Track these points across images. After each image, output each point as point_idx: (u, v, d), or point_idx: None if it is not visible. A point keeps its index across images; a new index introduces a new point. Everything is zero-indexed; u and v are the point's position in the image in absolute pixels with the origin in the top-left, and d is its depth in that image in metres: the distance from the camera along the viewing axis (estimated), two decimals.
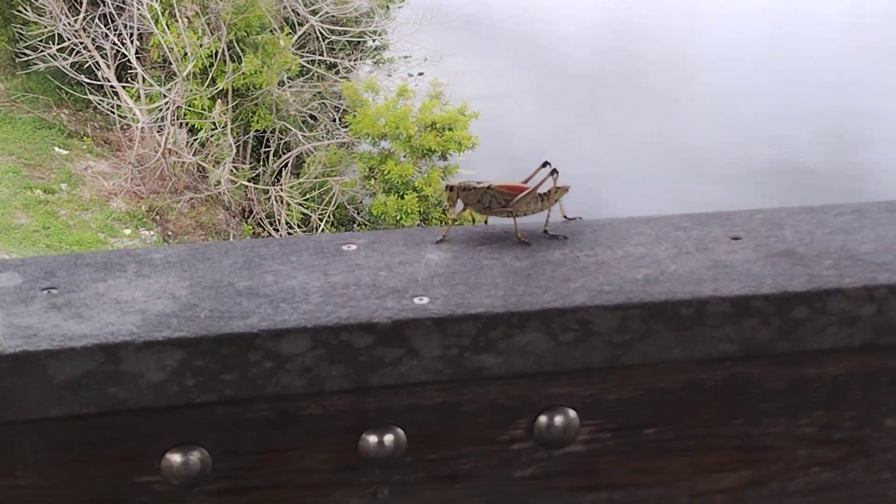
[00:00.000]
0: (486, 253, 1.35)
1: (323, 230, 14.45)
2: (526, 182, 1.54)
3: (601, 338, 1.21)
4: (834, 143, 17.82)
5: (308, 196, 14.67)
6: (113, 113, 14.69)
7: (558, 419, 1.24)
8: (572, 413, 1.24)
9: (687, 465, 1.32)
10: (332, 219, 14.76)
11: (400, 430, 1.20)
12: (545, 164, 1.54)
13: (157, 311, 1.17)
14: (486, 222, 1.51)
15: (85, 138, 15.03)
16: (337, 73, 16.24)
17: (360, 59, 17.21)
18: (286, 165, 15.06)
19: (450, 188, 1.50)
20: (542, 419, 1.24)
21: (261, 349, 1.13)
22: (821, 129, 18.23)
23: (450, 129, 14.40)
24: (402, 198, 14.07)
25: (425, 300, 1.20)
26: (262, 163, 15.26)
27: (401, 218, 14.01)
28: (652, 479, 1.32)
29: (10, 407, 1.11)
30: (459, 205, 1.55)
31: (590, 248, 1.36)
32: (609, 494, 1.31)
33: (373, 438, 1.20)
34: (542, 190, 1.51)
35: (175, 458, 1.16)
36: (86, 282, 1.25)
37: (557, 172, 1.50)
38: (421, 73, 17.35)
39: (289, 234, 14.49)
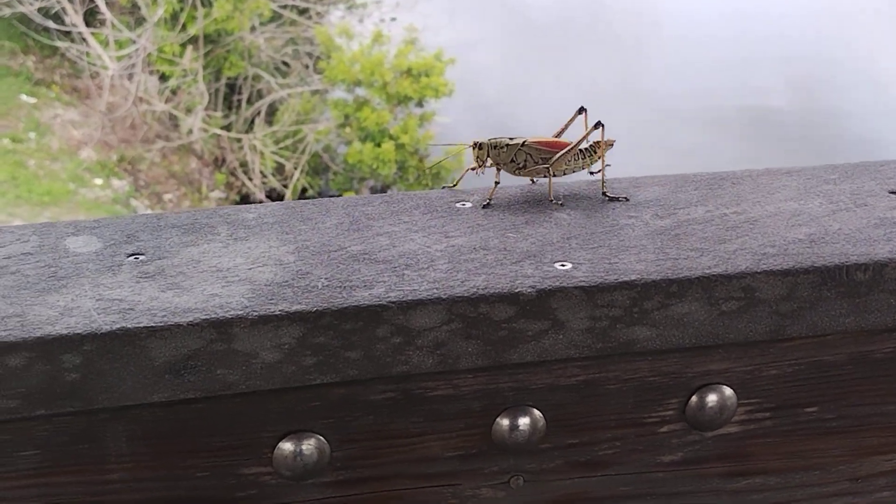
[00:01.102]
0: (620, 210, 1.23)
1: (298, 179, 14.27)
2: (559, 135, 1.41)
3: (766, 307, 1.08)
4: (801, 89, 17.79)
5: (282, 145, 14.46)
6: (81, 60, 14.37)
7: (713, 398, 1.12)
8: (728, 391, 1.13)
9: (848, 447, 1.21)
10: (306, 168, 14.56)
11: (538, 413, 1.09)
12: (581, 110, 1.41)
13: (266, 280, 1.04)
14: (532, 181, 1.38)
15: (53, 86, 14.69)
16: (309, 18, 15.95)
17: (333, 4, 16.90)
18: (259, 113, 14.83)
19: (478, 145, 1.37)
20: (695, 398, 1.12)
21: (389, 323, 1.00)
22: (788, 76, 18.19)
23: (426, 76, 14.19)
24: (379, 146, 13.87)
25: (568, 266, 1.08)
26: (234, 111, 15.00)
27: (377, 167, 13.83)
28: (810, 463, 1.20)
29: (103, 392, 0.97)
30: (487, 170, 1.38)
31: (735, 205, 1.23)
32: (763, 480, 1.20)
33: (508, 422, 1.08)
34: (583, 145, 1.38)
35: (288, 446, 1.04)
36: (175, 246, 1.12)
37: (603, 125, 1.36)
38: (394, 19, 17.09)
39: (263, 182, 14.31)
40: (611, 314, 1.05)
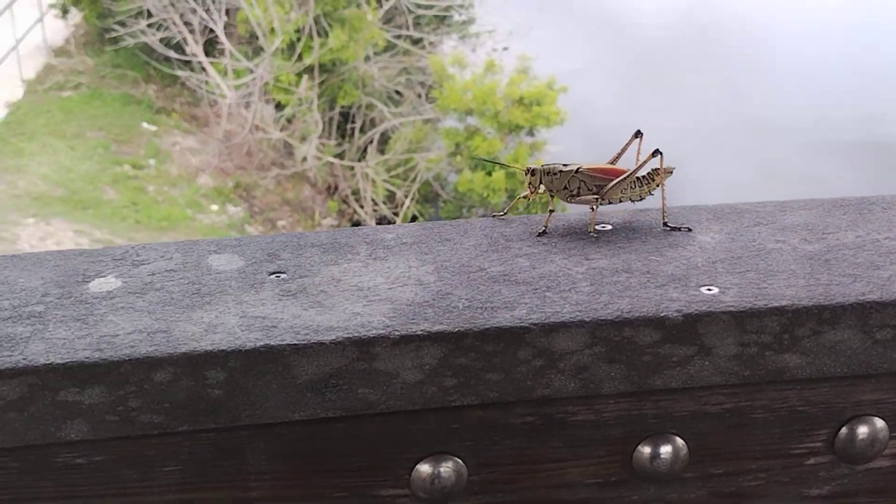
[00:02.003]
0: (766, 234, 1.19)
1: (409, 207, 14.36)
2: (614, 162, 1.38)
3: None
4: None
5: (393, 173, 14.57)
6: (200, 89, 14.70)
7: (864, 430, 1.08)
8: (880, 423, 1.09)
9: None
10: (417, 196, 14.64)
11: (680, 441, 1.06)
12: (637, 133, 1.38)
13: (407, 299, 1.04)
14: (550, 211, 1.30)
15: (172, 114, 15.04)
16: (422, 48, 16.09)
17: (447, 34, 17.02)
18: (371, 142, 14.96)
19: (531, 171, 1.34)
20: (845, 430, 1.09)
21: (532, 346, 0.99)
22: None
23: (538, 105, 14.17)
24: (490, 175, 13.88)
25: (715, 290, 1.05)
26: (347, 139, 15.17)
27: (487, 195, 13.83)
28: None
29: (246, 409, 0.98)
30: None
31: (888, 230, 1.19)
32: None
33: (650, 449, 1.06)
34: (641, 172, 1.33)
35: (426, 468, 1.03)
36: (315, 265, 1.13)
37: (661, 153, 1.32)
38: (506, 48, 17.12)
39: (374, 210, 14.43)
40: (760, 340, 1.02)
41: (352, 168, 14.65)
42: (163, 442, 1.00)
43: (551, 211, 1.26)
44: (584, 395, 1.02)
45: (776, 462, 1.10)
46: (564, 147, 15.01)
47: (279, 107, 14.62)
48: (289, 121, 14.59)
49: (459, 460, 1.04)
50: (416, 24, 15.90)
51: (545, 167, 1.33)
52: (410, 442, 1.04)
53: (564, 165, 1.33)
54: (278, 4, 14.04)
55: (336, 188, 14.85)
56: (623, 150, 1.38)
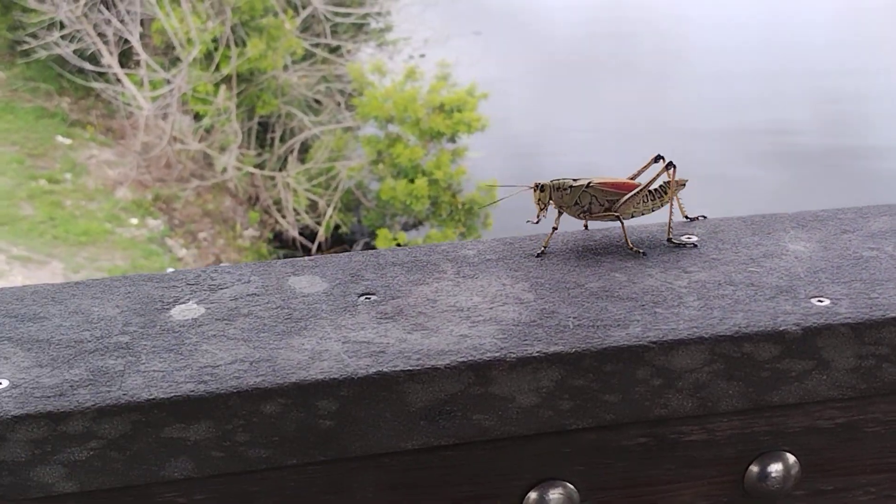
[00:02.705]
0: (857, 242, 1.17)
1: (331, 216, 14.27)
2: (633, 179, 1.35)
3: None
4: (830, 123, 17.70)
5: (315, 182, 14.47)
6: (116, 100, 14.45)
7: None
8: None
9: None
10: (339, 204, 14.56)
11: (792, 458, 1.04)
12: (658, 157, 1.34)
13: (512, 319, 1.01)
14: (585, 227, 1.31)
15: (88, 127, 14.78)
16: (340, 55, 16.02)
17: (364, 42, 16.97)
18: (292, 151, 14.85)
19: (539, 187, 1.30)
20: None
21: (650, 365, 0.97)
22: (817, 110, 18.12)
23: (458, 111, 14.18)
24: (412, 182, 13.86)
25: (826, 301, 1.03)
26: (267, 149, 15.04)
27: (410, 203, 13.80)
28: None
29: (357, 440, 0.94)
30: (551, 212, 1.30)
31: None
32: None
33: (759, 468, 1.04)
34: (653, 186, 1.31)
35: (537, 496, 1.00)
36: (403, 285, 1.10)
37: (675, 166, 1.30)
38: (422, 55, 17.12)
39: (296, 220, 14.32)
40: (878, 352, 1.01)
41: (272, 178, 14.52)
42: (268, 477, 0.96)
43: (554, 229, 1.23)
44: (700, 414, 1.00)
45: (887, 476, 1.08)
46: (484, 153, 15.06)
47: (197, 117, 14.44)
48: (207, 131, 14.41)
49: (571, 485, 1.01)
50: (334, 32, 15.83)
51: (555, 182, 1.30)
52: (521, 468, 1.00)
53: (574, 180, 1.30)
54: (195, 14, 13.87)
55: (257, 199, 14.70)
56: (643, 170, 1.35)
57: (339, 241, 14.69)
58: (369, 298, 1.07)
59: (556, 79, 19.88)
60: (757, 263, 1.13)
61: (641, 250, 1.19)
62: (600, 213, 1.28)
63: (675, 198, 1.31)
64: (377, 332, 1.00)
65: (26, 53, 14.82)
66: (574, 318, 1.01)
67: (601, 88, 19.46)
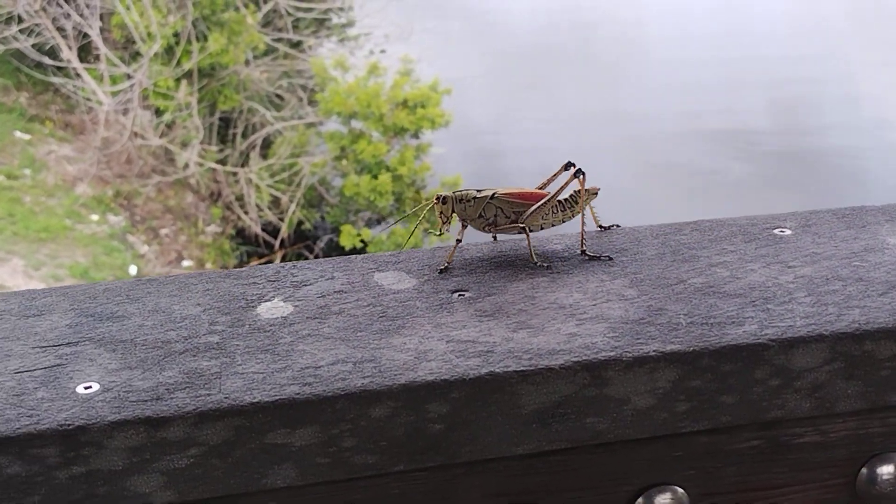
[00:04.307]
0: None
1: (294, 212, 14.19)
2: (543, 188, 1.29)
3: None
4: (783, 111, 17.89)
5: (277, 178, 14.37)
6: (75, 95, 14.27)
7: None
8: None
9: None
10: (302, 201, 14.47)
11: None
12: (568, 164, 1.28)
13: (620, 317, 0.97)
14: (494, 239, 1.26)
15: (47, 122, 14.58)
16: (302, 51, 15.92)
17: (326, 37, 16.88)
18: (254, 147, 14.74)
19: (441, 199, 1.24)
20: None
21: (769, 364, 0.93)
22: (771, 99, 18.31)
23: (422, 107, 14.14)
24: (376, 178, 13.80)
25: None
26: (229, 144, 14.92)
27: (374, 198, 13.75)
28: None
29: (467, 444, 0.90)
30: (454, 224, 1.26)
31: None
32: None
33: (874, 470, 1.01)
34: (563, 195, 1.25)
35: (644, 501, 0.97)
36: (496, 280, 1.06)
37: (584, 174, 1.24)
38: (383, 51, 17.06)
39: (259, 216, 14.21)
40: None
41: (235, 174, 14.41)
42: (372, 484, 0.92)
43: (458, 241, 1.18)
44: (815, 415, 0.97)
45: None
46: (447, 148, 15.05)
47: (158, 113, 14.29)
48: (169, 127, 14.27)
49: (681, 490, 0.98)
50: (296, 27, 15.72)
51: (457, 194, 1.24)
52: (632, 473, 0.97)
53: (478, 191, 1.24)
54: (155, 8, 13.71)
55: (219, 195, 14.59)
56: (552, 179, 1.29)
57: (303, 238, 14.62)
58: (463, 295, 1.04)
59: (516, 71, 19.93)
60: (860, 258, 1.10)
61: (546, 264, 1.14)
62: (506, 226, 1.22)
63: (588, 207, 1.25)
64: (480, 331, 0.96)
65: None
66: (684, 315, 0.98)
67: (560, 80, 19.54)
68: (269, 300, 1.04)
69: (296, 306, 1.03)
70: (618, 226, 1.24)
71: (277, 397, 0.88)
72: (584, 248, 1.17)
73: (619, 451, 0.95)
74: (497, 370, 0.90)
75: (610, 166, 14.93)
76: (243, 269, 1.12)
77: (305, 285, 1.07)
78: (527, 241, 1.17)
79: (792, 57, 20.00)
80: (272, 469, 0.89)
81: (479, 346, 0.93)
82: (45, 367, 0.94)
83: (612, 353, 0.91)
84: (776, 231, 1.17)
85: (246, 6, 14.79)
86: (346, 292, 1.05)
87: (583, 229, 1.20)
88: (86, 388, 0.91)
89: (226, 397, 0.88)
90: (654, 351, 0.92)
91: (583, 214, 1.23)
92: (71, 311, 1.03)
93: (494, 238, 1.26)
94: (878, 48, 20.59)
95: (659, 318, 0.97)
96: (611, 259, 1.14)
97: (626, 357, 0.91)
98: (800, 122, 17.58)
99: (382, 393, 0.88)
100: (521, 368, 0.90)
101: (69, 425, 0.86)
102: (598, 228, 1.24)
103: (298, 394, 0.88)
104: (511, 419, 0.90)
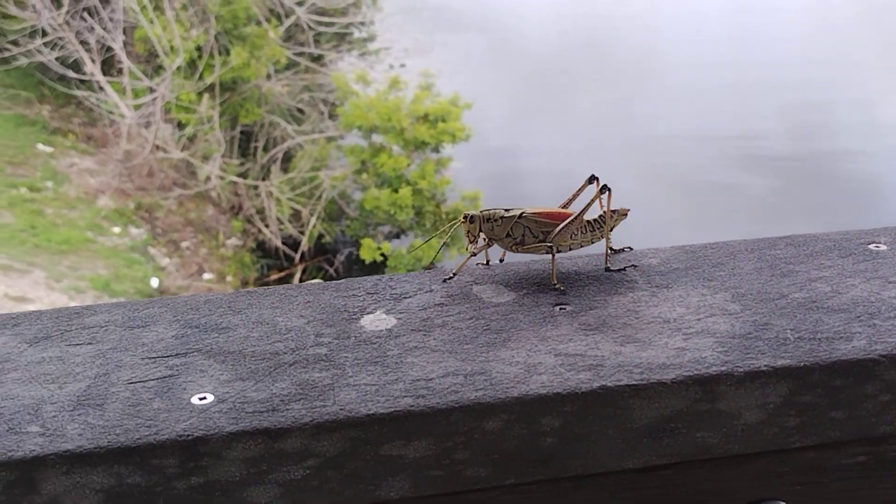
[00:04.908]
0: None
1: (314, 226, 14.21)
2: (566, 206, 1.27)
3: None
4: (801, 134, 17.85)
5: (298, 191, 14.40)
6: (98, 108, 14.33)
7: None
8: None
9: None
10: (322, 214, 14.50)
11: None
12: (592, 178, 1.26)
13: (726, 331, 0.96)
14: (501, 260, 1.24)
15: (69, 135, 14.65)
16: (323, 65, 15.97)
17: (347, 51, 16.93)
18: (275, 160, 14.78)
19: (469, 218, 1.22)
20: None
21: (880, 379, 0.93)
22: (787, 120, 18.28)
23: (442, 121, 14.16)
24: (396, 191, 13.82)
25: None
26: (250, 158, 14.97)
27: (395, 212, 13.77)
28: None
29: (578, 458, 0.90)
30: (481, 241, 1.23)
31: None
32: None
33: None
34: (591, 216, 1.23)
35: None
36: (596, 294, 1.07)
37: (609, 190, 1.23)
38: (402, 65, 17.10)
39: (279, 229, 14.24)
40: None
41: (255, 187, 14.45)
42: (483, 497, 0.93)
43: (473, 254, 1.18)
44: None
45: None
46: (465, 163, 15.06)
47: (180, 126, 14.35)
48: (190, 140, 14.32)
49: None
50: (317, 42, 15.78)
51: (485, 213, 1.23)
52: (737, 488, 0.97)
53: (506, 210, 1.23)
54: (178, 23, 13.79)
55: (240, 208, 14.62)
56: (576, 194, 1.28)
57: (323, 251, 14.63)
58: (564, 308, 1.04)
59: (533, 83, 19.94)
60: None
61: (562, 287, 1.13)
62: (533, 245, 1.21)
63: (612, 225, 1.24)
64: (587, 345, 0.96)
65: (6, 61, 14.69)
66: (791, 329, 0.97)
67: (577, 90, 19.54)
68: (371, 312, 1.05)
69: (399, 318, 1.04)
70: (630, 248, 1.23)
71: (392, 409, 0.88)
72: (609, 264, 1.17)
73: (727, 466, 0.95)
74: (609, 384, 0.90)
75: (627, 178, 14.94)
76: (341, 281, 1.13)
77: (406, 298, 1.08)
78: (551, 262, 1.16)
79: (806, 60, 20.00)
80: (386, 481, 0.89)
81: (589, 359, 0.93)
82: (157, 378, 0.95)
83: (723, 368, 0.91)
84: (871, 246, 1.17)
85: (268, 20, 14.85)
86: (446, 305, 1.06)
87: (608, 246, 1.20)
88: (200, 398, 0.92)
89: (341, 409, 0.89)
90: (765, 366, 0.92)
91: (606, 229, 1.23)
92: (175, 322, 1.05)
93: (501, 260, 1.25)
94: (893, 52, 20.58)
95: (766, 333, 0.97)
96: (635, 267, 1.15)
97: (738, 372, 0.91)
98: (814, 128, 17.57)
99: (496, 406, 0.89)
100: (633, 382, 0.90)
101: (188, 436, 0.87)
102: (610, 250, 1.23)
103: (413, 406, 0.89)
104: (622, 433, 0.91)
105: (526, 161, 16.12)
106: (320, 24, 15.59)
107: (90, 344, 1.02)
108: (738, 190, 15.03)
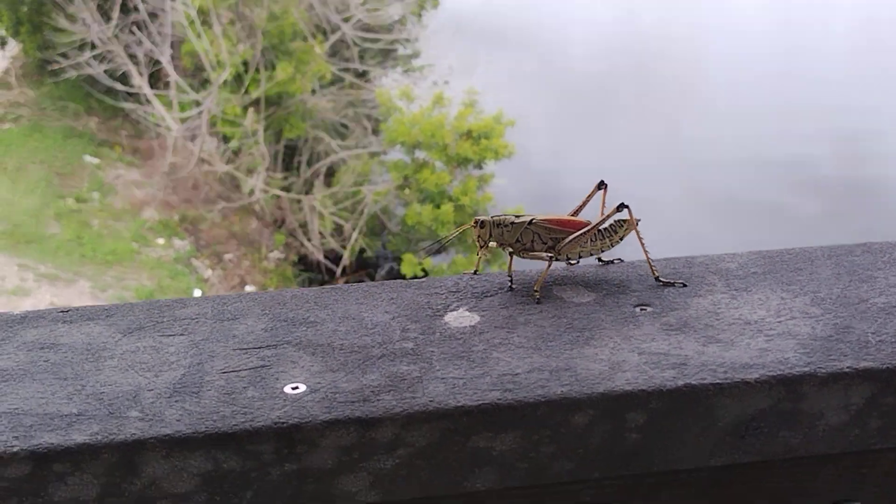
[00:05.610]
0: None
1: (356, 240, 14.27)
2: (576, 213, 1.28)
3: None
4: (844, 143, 17.71)
5: (340, 206, 14.47)
6: (144, 121, 14.49)
7: None
8: None
9: None
10: (364, 229, 14.56)
11: None
12: (601, 184, 1.28)
13: (808, 333, 0.98)
14: (509, 268, 1.23)
15: (115, 147, 14.83)
16: (367, 81, 16.06)
17: (392, 67, 17.01)
18: (318, 174, 14.86)
19: (479, 224, 1.24)
20: None
21: None
22: (831, 129, 18.13)
23: (486, 138, 14.19)
24: (438, 207, 13.85)
25: None
26: (294, 172, 15.05)
27: (436, 228, 13.79)
28: None
29: (661, 454, 0.91)
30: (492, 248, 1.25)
31: None
32: None
33: None
34: (603, 225, 1.24)
35: None
36: (677, 296, 1.08)
37: (628, 207, 1.23)
38: (446, 82, 17.15)
39: (321, 243, 14.31)
40: None
41: (299, 201, 14.53)
42: (563, 491, 0.95)
43: (480, 258, 1.21)
44: None
45: None
46: (507, 180, 15.07)
47: (225, 139, 14.47)
48: (235, 153, 14.44)
49: None
50: (362, 58, 15.87)
51: (495, 218, 1.25)
52: (817, 489, 0.98)
53: (517, 217, 1.25)
54: (226, 37, 13.92)
55: (283, 221, 14.71)
56: (585, 202, 1.30)
57: (364, 266, 14.69)
58: (645, 309, 1.06)
59: (576, 101, 19.92)
60: None
61: (539, 296, 1.14)
62: (541, 251, 1.23)
63: (622, 235, 1.24)
64: (670, 344, 0.97)
65: (55, 73, 14.90)
66: (873, 333, 0.98)
67: (619, 107, 19.50)
68: (454, 310, 1.08)
69: (482, 316, 1.06)
70: (620, 260, 1.25)
71: (481, 402, 0.90)
72: (657, 274, 1.18)
73: (807, 467, 0.97)
74: (694, 382, 0.91)
75: (669, 195, 14.89)
76: (422, 279, 1.16)
77: (487, 296, 1.10)
78: (545, 269, 1.18)
79: (850, 78, 19.85)
80: (473, 472, 0.91)
81: (672, 358, 0.95)
82: (250, 368, 0.98)
83: (806, 369, 0.93)
84: (673, 279, 1.17)
85: (314, 36, 14.96)
86: (528, 304, 1.08)
87: (648, 258, 1.20)
88: (293, 388, 0.95)
89: (430, 401, 0.91)
90: (847, 367, 0.93)
91: (617, 242, 1.24)
92: (264, 315, 1.08)
93: (509, 268, 1.25)
94: None
95: (847, 336, 0.98)
96: (685, 285, 1.15)
97: (821, 373, 0.92)
98: (858, 147, 17.43)
99: (582, 401, 0.90)
100: (718, 381, 0.91)
101: (284, 423, 0.90)
102: (599, 262, 1.25)
103: (500, 399, 0.90)
104: (705, 431, 0.92)
105: (569, 180, 16.09)
106: (366, 40, 15.68)
107: (182, 335, 1.06)
108: (782, 213, 14.93)
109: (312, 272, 14.36)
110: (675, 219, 13.81)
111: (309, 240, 14.38)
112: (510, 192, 15.01)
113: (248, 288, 13.05)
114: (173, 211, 13.89)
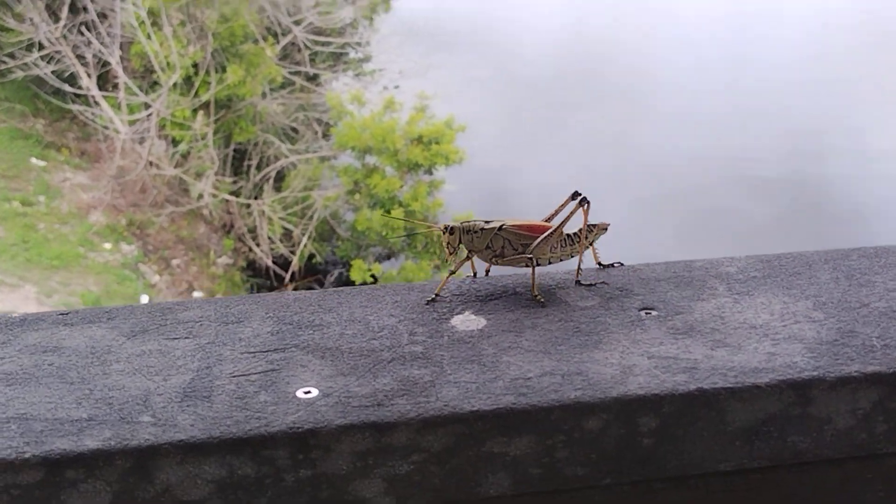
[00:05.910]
0: None
1: (306, 246, 14.20)
2: (549, 220, 1.28)
3: None
4: (792, 158, 17.93)
5: (290, 210, 14.39)
6: (92, 123, 14.32)
7: None
8: None
9: None
10: (314, 234, 14.49)
11: None
12: (575, 195, 1.26)
13: (813, 338, 0.98)
14: (487, 272, 1.25)
15: (63, 149, 14.63)
16: (318, 84, 15.99)
17: (343, 71, 16.96)
18: (268, 179, 14.78)
19: (449, 230, 1.23)
20: None
21: None
22: (778, 134, 18.35)
23: (436, 143, 14.17)
24: (389, 213, 13.82)
25: None
26: (243, 176, 14.95)
27: (387, 234, 13.77)
28: None
29: (673, 458, 0.91)
30: (461, 253, 1.24)
31: None
32: None
33: None
34: (572, 230, 1.25)
35: None
36: (680, 300, 1.08)
37: (588, 202, 1.23)
38: (397, 87, 17.12)
39: (270, 249, 14.23)
40: None
41: (248, 206, 14.45)
42: (576, 496, 0.94)
43: (451, 272, 1.19)
44: None
45: None
46: (458, 185, 15.06)
47: (174, 143, 14.34)
48: (184, 157, 14.31)
49: None
50: (313, 61, 15.80)
51: (465, 224, 1.24)
52: (824, 493, 0.98)
53: (486, 222, 1.24)
54: (175, 38, 13.79)
55: (232, 226, 14.61)
56: (559, 209, 1.29)
57: (313, 271, 14.62)
58: (650, 313, 1.06)
59: (528, 106, 19.98)
60: None
61: (542, 300, 1.15)
62: (513, 257, 1.22)
63: (593, 243, 1.26)
64: (678, 348, 0.97)
65: (2, 73, 14.67)
66: (877, 337, 0.98)
67: (571, 113, 19.59)
68: (460, 313, 1.08)
69: (488, 319, 1.06)
70: (621, 263, 1.25)
71: (495, 406, 0.90)
72: (579, 278, 1.20)
73: (813, 472, 0.96)
74: (706, 386, 0.91)
75: (620, 202, 14.97)
76: (426, 282, 1.16)
77: (491, 299, 1.10)
78: (531, 274, 1.18)
79: (803, 83, 20.10)
80: (486, 477, 0.91)
81: (682, 362, 0.95)
82: (259, 372, 0.97)
83: (814, 373, 0.93)
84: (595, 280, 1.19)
85: (265, 39, 14.87)
86: (533, 307, 1.08)
87: (580, 259, 1.22)
88: (305, 392, 0.94)
89: (445, 405, 0.90)
90: (855, 371, 0.93)
91: (582, 241, 1.24)
92: (268, 318, 1.07)
93: (487, 272, 1.26)
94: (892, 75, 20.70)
95: (852, 340, 0.98)
96: (605, 283, 1.16)
97: (830, 377, 0.93)
98: (805, 150, 17.66)
99: (596, 405, 0.90)
100: (729, 385, 0.91)
101: (299, 428, 0.89)
102: (598, 266, 1.25)
103: (515, 403, 0.90)
104: (716, 435, 0.92)
105: (519, 184, 16.14)
106: (317, 43, 15.62)
107: (188, 338, 1.04)
108: (731, 213, 15.08)
109: (261, 278, 14.27)
110: (625, 218, 13.89)
111: (258, 245, 14.30)
112: (461, 198, 15.01)
113: (196, 294, 12.94)
114: (121, 215, 13.74)
